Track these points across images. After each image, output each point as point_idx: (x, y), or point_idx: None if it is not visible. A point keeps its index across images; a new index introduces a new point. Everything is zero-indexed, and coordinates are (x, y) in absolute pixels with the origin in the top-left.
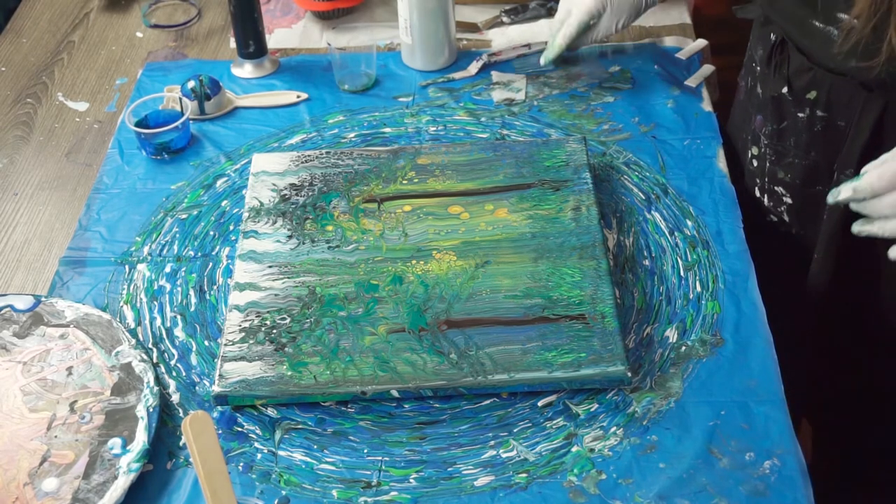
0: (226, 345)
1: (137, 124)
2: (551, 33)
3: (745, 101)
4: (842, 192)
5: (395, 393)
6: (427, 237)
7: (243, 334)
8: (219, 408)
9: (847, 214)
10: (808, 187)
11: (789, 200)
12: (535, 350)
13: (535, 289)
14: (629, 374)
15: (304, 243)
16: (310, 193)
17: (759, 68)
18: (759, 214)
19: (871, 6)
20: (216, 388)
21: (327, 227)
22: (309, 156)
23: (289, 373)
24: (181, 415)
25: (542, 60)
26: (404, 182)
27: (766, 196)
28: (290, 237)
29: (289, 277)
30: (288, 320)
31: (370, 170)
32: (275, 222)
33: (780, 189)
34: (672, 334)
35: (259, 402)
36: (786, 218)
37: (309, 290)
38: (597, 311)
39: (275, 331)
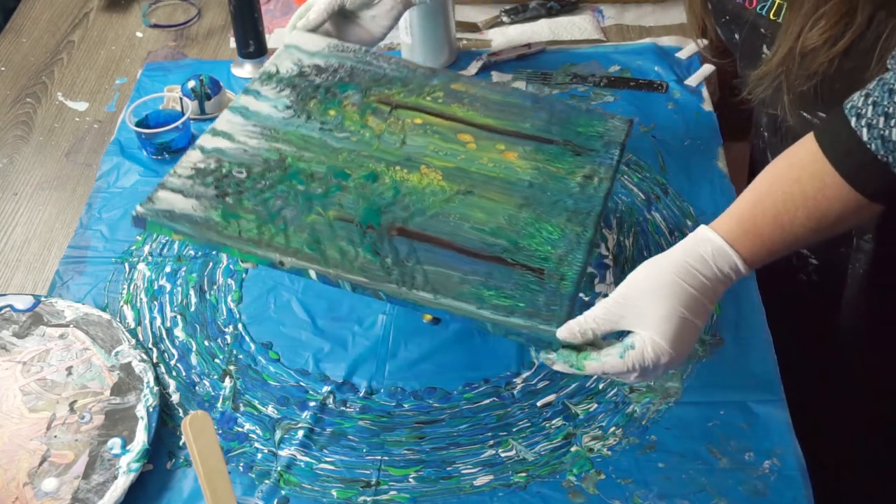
0: (171, 175)
1: (138, 124)
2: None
3: (760, 164)
4: (556, 364)
5: (312, 275)
6: (424, 151)
7: (193, 172)
8: (219, 406)
9: (871, 271)
10: (831, 249)
11: (815, 261)
12: (474, 283)
13: (505, 231)
14: (559, 339)
15: (299, 117)
16: (330, 78)
17: (766, 134)
18: (787, 273)
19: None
20: (138, 209)
21: (330, 110)
22: (347, 47)
23: (217, 219)
24: (181, 415)
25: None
26: (428, 99)
27: (794, 257)
28: (288, 107)
29: (266, 140)
30: (244, 174)
31: (400, 78)
32: (281, 90)
33: (805, 251)
34: None
35: (176, 236)
36: (814, 277)
37: (280, 157)
38: (558, 272)
39: (226, 179)
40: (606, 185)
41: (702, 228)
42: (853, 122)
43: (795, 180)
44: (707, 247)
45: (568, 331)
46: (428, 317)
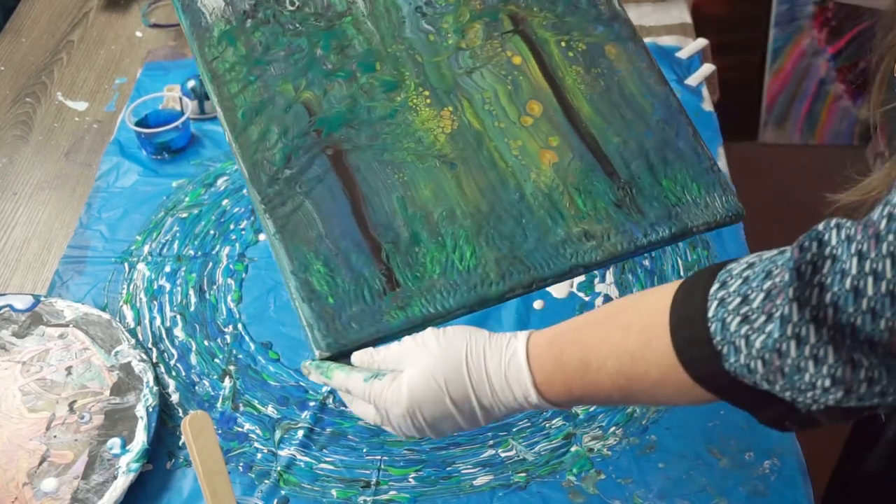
0: None
1: (137, 124)
2: None
3: None
4: (311, 373)
5: (226, 136)
6: (473, 94)
7: None
8: (219, 406)
9: None
10: None
11: None
12: (322, 249)
13: (423, 224)
14: (316, 358)
15: None
16: None
17: None
18: None
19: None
20: None
21: None
22: None
23: (214, 34)
24: (181, 415)
25: None
26: (562, 44)
27: None
28: None
29: None
30: (294, 8)
31: (569, 3)
32: None
33: None
34: None
35: (181, 26)
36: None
37: (343, 11)
38: (408, 300)
39: (274, 3)
40: (594, 257)
41: (526, 333)
42: (714, 288)
43: (623, 326)
44: (510, 351)
45: (359, 356)
46: None
